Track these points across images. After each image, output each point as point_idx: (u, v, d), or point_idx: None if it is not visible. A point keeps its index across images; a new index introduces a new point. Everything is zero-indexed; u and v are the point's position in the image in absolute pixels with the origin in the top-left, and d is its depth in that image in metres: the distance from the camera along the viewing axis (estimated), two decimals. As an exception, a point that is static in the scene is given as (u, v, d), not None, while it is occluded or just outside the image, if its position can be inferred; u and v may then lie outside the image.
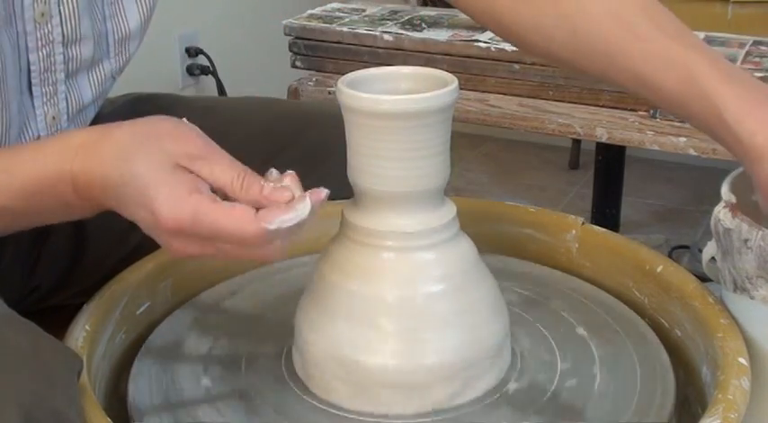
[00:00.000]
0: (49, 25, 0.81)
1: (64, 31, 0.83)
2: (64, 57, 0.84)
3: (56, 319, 0.76)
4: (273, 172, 0.67)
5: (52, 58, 0.83)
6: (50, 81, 0.84)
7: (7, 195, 0.69)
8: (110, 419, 0.65)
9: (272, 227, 0.64)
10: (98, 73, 0.88)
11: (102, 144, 0.68)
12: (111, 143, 0.67)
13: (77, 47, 0.85)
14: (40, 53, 0.82)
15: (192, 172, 0.65)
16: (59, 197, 0.69)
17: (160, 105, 1.03)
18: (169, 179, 0.64)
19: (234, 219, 0.63)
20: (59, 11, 0.82)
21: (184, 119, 0.69)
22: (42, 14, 0.80)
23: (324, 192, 0.66)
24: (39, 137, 0.85)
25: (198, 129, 0.68)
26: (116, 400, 0.77)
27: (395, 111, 0.69)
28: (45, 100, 0.84)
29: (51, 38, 0.82)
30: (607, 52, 0.81)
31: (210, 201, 0.64)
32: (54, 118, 0.86)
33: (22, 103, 0.82)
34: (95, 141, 0.68)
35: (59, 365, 0.63)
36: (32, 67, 0.82)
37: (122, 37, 0.89)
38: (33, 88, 0.83)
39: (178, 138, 0.67)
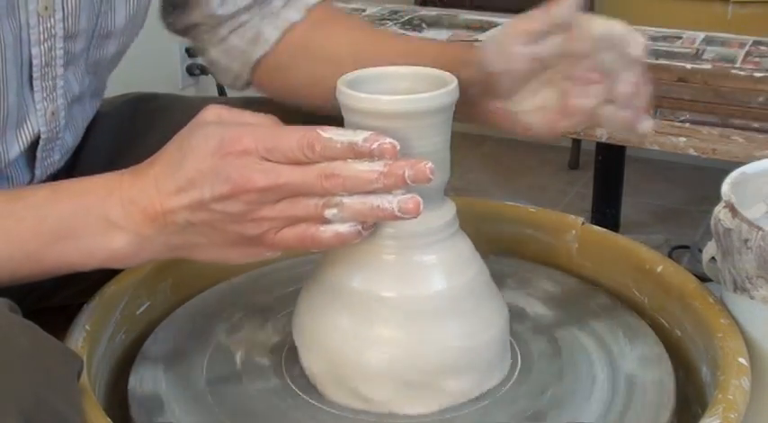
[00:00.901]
0: (52, 19, 0.81)
1: (65, 26, 0.82)
2: (64, 51, 0.84)
3: (56, 319, 0.76)
4: None
5: (53, 53, 0.83)
6: (50, 76, 0.83)
7: (50, 208, 0.70)
8: (110, 419, 0.65)
9: (326, 134, 0.65)
10: (77, 66, 0.88)
11: (150, 162, 0.70)
12: (157, 160, 0.70)
13: (74, 42, 0.85)
14: (42, 47, 0.81)
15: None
16: (102, 210, 0.69)
17: (160, 105, 1.03)
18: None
19: (292, 129, 0.66)
20: (62, 6, 0.81)
21: None
22: (46, 8, 0.80)
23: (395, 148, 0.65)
24: (38, 132, 0.85)
25: None
26: (116, 400, 0.77)
27: (395, 111, 0.69)
28: (45, 95, 0.84)
29: (53, 32, 0.82)
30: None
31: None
32: (53, 114, 0.85)
33: (23, 96, 0.82)
34: (140, 166, 0.71)
35: (59, 366, 0.63)
36: (34, 61, 0.81)
37: (106, 33, 0.88)
38: (34, 82, 0.83)
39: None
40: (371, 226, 0.69)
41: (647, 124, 0.78)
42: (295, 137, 0.65)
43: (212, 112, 0.70)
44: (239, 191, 0.65)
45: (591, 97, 0.76)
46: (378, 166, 0.65)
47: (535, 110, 0.80)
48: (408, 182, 0.65)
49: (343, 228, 0.67)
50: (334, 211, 0.66)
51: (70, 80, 0.87)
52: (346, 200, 0.65)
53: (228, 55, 0.97)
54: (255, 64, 0.96)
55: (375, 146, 0.65)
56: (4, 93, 0.79)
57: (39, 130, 0.85)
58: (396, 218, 0.66)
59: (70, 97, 0.88)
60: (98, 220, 0.69)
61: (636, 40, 0.75)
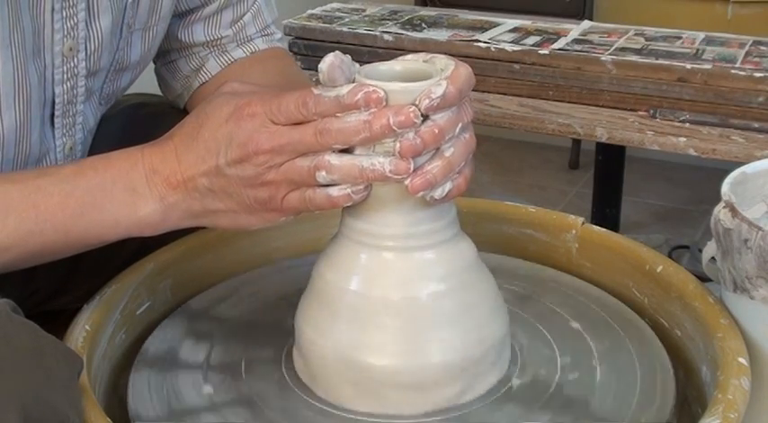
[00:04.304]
0: (76, 59, 0.83)
1: (87, 64, 0.84)
2: (85, 88, 0.85)
3: (54, 323, 0.76)
4: None
5: (75, 91, 0.85)
6: (71, 112, 0.86)
7: (76, 182, 0.73)
8: (110, 419, 0.65)
9: (317, 91, 0.67)
10: (92, 100, 0.90)
11: (170, 134, 0.74)
12: (176, 132, 0.74)
13: (93, 78, 0.87)
14: (65, 86, 0.83)
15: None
16: (128, 179, 0.73)
17: (158, 110, 1.03)
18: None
19: (292, 91, 0.69)
20: (86, 46, 0.83)
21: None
22: (70, 49, 0.82)
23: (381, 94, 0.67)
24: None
25: None
26: (116, 400, 0.77)
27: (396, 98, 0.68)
28: (65, 131, 0.86)
29: (76, 71, 0.84)
30: None
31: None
32: (71, 148, 0.88)
33: (44, 134, 0.84)
34: (160, 139, 0.75)
35: (60, 365, 0.63)
36: (57, 100, 0.84)
37: (122, 67, 0.91)
38: (55, 120, 0.85)
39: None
40: (363, 190, 0.70)
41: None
42: (293, 97, 0.68)
43: (228, 86, 0.75)
44: (250, 154, 0.69)
45: None
46: (364, 116, 0.67)
47: None
48: (395, 128, 0.66)
49: (334, 191, 0.69)
50: (323, 173, 0.68)
51: (87, 114, 0.88)
52: (334, 161, 0.68)
53: (173, 75, 1.01)
54: (195, 90, 1.00)
55: (359, 95, 0.67)
56: (27, 132, 0.80)
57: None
58: (386, 178, 0.68)
59: (86, 130, 0.89)
60: (124, 191, 0.73)
61: None
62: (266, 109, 0.69)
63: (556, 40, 1.50)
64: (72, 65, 0.83)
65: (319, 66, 0.68)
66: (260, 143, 0.69)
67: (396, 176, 0.68)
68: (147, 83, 1.04)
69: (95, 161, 0.76)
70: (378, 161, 0.68)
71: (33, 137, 0.81)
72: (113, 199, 0.73)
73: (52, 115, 0.84)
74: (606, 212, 1.87)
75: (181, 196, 0.73)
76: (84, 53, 0.83)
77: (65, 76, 0.83)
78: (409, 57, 0.75)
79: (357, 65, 0.70)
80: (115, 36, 0.86)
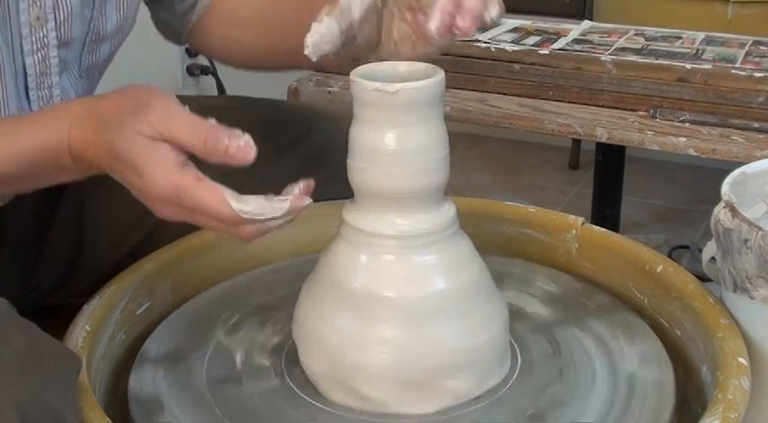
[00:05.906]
0: (44, 29, 0.82)
1: (58, 34, 0.83)
2: (59, 60, 0.84)
3: (54, 319, 0.76)
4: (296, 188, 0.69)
5: (48, 62, 0.84)
6: (46, 85, 0.84)
7: (9, 164, 0.72)
8: (109, 419, 0.65)
9: (246, 216, 0.66)
10: (71, 72, 0.89)
11: (92, 115, 0.71)
12: (99, 114, 0.70)
13: (67, 49, 0.85)
14: (36, 57, 0.82)
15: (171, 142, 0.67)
16: (56, 162, 0.72)
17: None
18: (156, 152, 0.67)
19: (213, 198, 0.66)
20: (54, 15, 0.82)
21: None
22: (37, 18, 0.81)
23: (306, 201, 0.68)
24: None
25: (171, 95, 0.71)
26: (116, 400, 0.77)
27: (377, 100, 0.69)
28: (41, 104, 0.85)
29: (46, 41, 0.83)
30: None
31: (195, 179, 0.66)
32: None
33: (21, 107, 0.83)
34: (87, 112, 0.71)
35: (57, 365, 0.63)
36: (29, 71, 0.83)
37: (98, 38, 0.89)
38: (30, 93, 0.84)
39: (156, 107, 0.68)
40: (296, 212, 0.69)
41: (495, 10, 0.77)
42: (212, 202, 0.67)
43: (133, 91, 0.72)
44: (162, 214, 0.69)
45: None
46: (276, 210, 0.67)
47: (396, 48, 0.83)
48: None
49: (273, 223, 0.68)
50: (247, 226, 0.68)
51: (66, 87, 0.87)
52: (249, 228, 0.68)
53: (173, 16, 1.00)
54: (191, 28, 0.99)
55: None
56: (4, 104, 0.79)
57: None
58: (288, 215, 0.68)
59: None
60: (51, 165, 0.72)
61: None
62: (176, 193, 0.67)
63: (556, 40, 1.50)
64: (41, 35, 0.82)
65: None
66: (165, 216, 0.69)
67: (289, 217, 0.68)
68: (148, 82, 1.03)
69: (25, 141, 0.74)
70: (277, 206, 0.67)
71: (11, 110, 0.81)
72: (42, 173, 0.74)
73: (27, 88, 0.83)
74: (606, 212, 1.87)
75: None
76: (53, 23, 0.82)
77: (34, 47, 0.82)
78: None
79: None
80: (87, 6, 0.85)
